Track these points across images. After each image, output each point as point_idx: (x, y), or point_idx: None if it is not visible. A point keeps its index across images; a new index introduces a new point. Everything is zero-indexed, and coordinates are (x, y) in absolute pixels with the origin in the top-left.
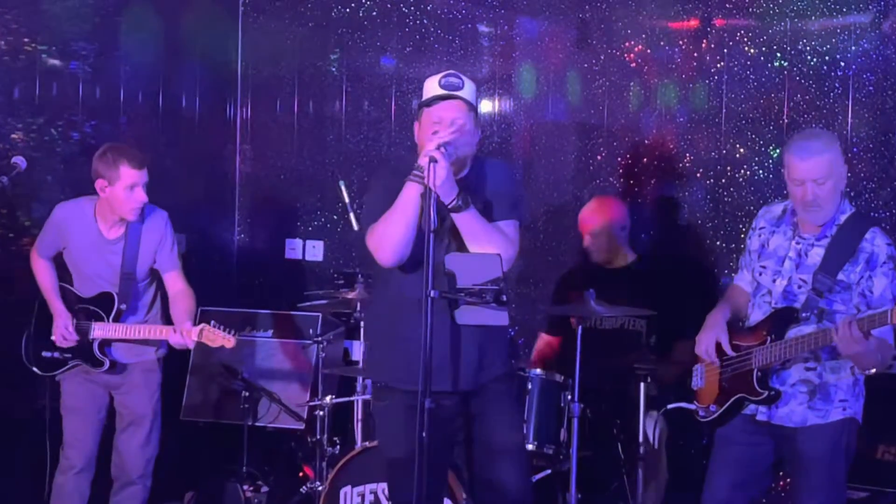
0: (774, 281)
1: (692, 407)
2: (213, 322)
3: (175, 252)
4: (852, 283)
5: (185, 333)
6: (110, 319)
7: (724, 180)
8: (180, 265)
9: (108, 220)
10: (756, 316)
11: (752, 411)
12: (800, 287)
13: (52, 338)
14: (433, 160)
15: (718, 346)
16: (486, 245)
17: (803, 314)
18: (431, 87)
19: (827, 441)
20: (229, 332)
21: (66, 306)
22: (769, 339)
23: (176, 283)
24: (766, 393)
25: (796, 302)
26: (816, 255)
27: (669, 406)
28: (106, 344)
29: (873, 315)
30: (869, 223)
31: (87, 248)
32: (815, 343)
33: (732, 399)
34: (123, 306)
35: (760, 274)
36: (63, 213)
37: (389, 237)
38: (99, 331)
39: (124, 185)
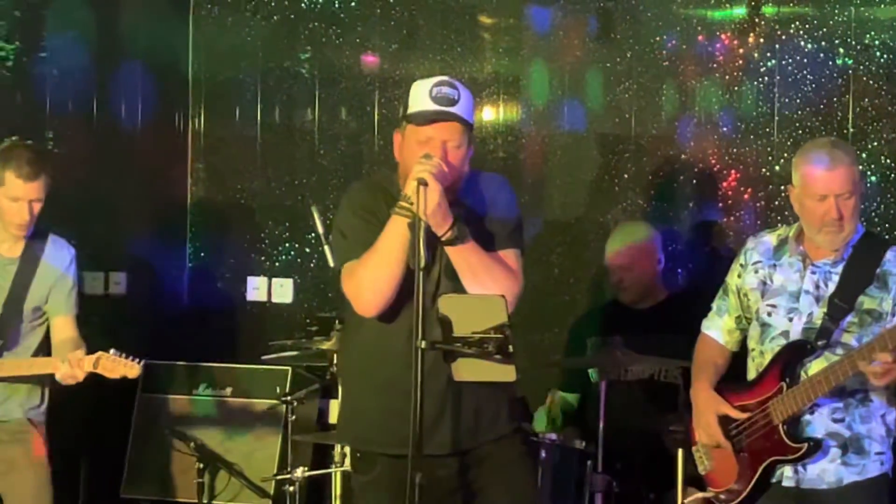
0: (791, 319)
1: (709, 495)
2: (112, 350)
3: (74, 296)
4: (885, 311)
5: (76, 362)
6: None
7: (777, 202)
8: (76, 313)
9: (1, 233)
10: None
11: (775, 478)
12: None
13: None
14: (423, 182)
15: (724, 418)
16: (489, 282)
17: (819, 343)
18: (421, 97)
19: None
20: (133, 359)
21: None
22: (784, 384)
23: (65, 330)
24: (805, 446)
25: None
26: (836, 283)
27: (687, 501)
28: None
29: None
30: (884, 243)
31: None
32: (845, 370)
33: (762, 467)
34: (1, 342)
35: (770, 314)
36: None
37: (372, 283)
38: None
39: (7, 195)
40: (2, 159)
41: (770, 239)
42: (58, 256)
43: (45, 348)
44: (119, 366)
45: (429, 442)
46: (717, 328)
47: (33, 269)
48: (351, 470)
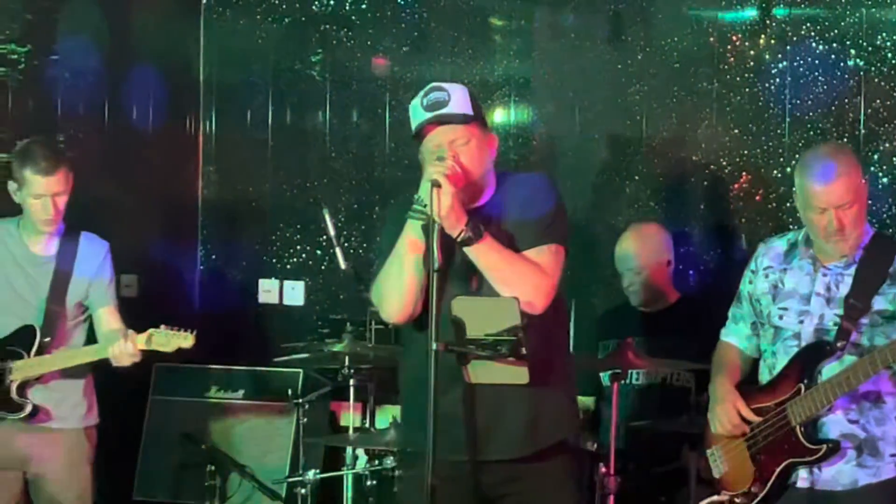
0: (801, 322)
1: (724, 499)
2: (162, 326)
3: (113, 287)
4: None
5: (130, 340)
6: (31, 355)
7: (788, 203)
8: (117, 303)
9: (34, 233)
10: (779, 366)
11: (791, 480)
12: (835, 324)
13: None
14: (436, 184)
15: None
16: (514, 280)
17: (838, 344)
18: (417, 112)
19: None
20: (185, 330)
21: None
22: (803, 385)
23: (111, 321)
24: (824, 447)
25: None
26: (848, 284)
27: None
28: (26, 385)
29: None
30: (895, 243)
31: (11, 268)
32: (866, 372)
33: (779, 469)
34: (47, 339)
35: (781, 317)
36: None
37: (390, 290)
38: (17, 371)
39: (30, 193)
40: (19, 160)
41: (780, 243)
42: (92, 251)
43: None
44: (172, 338)
45: (481, 448)
46: (735, 335)
47: (70, 267)
48: (397, 464)
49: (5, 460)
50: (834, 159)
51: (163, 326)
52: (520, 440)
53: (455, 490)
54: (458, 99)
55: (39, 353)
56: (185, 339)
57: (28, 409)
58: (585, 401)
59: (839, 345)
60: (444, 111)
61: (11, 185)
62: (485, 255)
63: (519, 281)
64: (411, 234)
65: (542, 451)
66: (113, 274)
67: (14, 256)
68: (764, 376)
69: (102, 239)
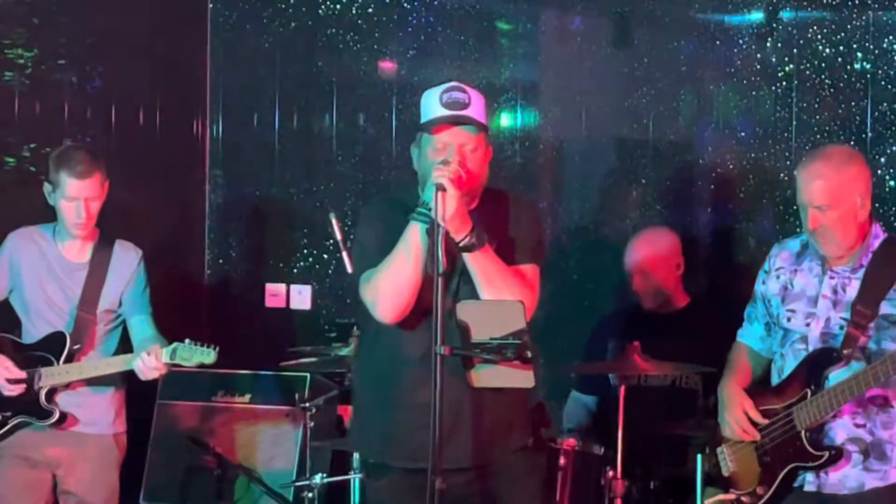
0: (808, 324)
1: (730, 496)
2: (187, 340)
3: (147, 295)
4: None
5: (153, 354)
6: (60, 362)
7: (795, 207)
8: (151, 311)
9: (68, 238)
10: (787, 369)
11: (797, 483)
12: (841, 328)
13: None
14: (441, 188)
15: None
16: (504, 291)
17: (844, 351)
18: (432, 105)
19: None
20: (208, 346)
21: (6, 356)
22: (809, 390)
23: (144, 329)
24: (827, 454)
25: (837, 344)
26: (855, 288)
27: (707, 502)
28: (54, 392)
29: None
30: None
31: (44, 273)
32: (868, 381)
33: (783, 473)
34: (77, 346)
35: (789, 319)
36: (15, 238)
37: (391, 289)
38: (47, 378)
39: (64, 196)
40: (56, 162)
41: (794, 244)
42: (125, 259)
43: (123, 352)
44: (195, 354)
45: (442, 455)
46: (749, 336)
47: (103, 273)
48: (363, 476)
49: (35, 462)
50: (822, 161)
51: (187, 340)
52: (477, 448)
53: (417, 498)
54: (477, 105)
55: (69, 360)
56: (208, 356)
57: (55, 416)
58: (592, 403)
59: (845, 352)
60: (465, 112)
61: (47, 187)
62: (483, 263)
63: (510, 292)
64: (414, 235)
65: (500, 456)
66: (147, 282)
67: (48, 262)
68: (774, 379)
69: (137, 248)
